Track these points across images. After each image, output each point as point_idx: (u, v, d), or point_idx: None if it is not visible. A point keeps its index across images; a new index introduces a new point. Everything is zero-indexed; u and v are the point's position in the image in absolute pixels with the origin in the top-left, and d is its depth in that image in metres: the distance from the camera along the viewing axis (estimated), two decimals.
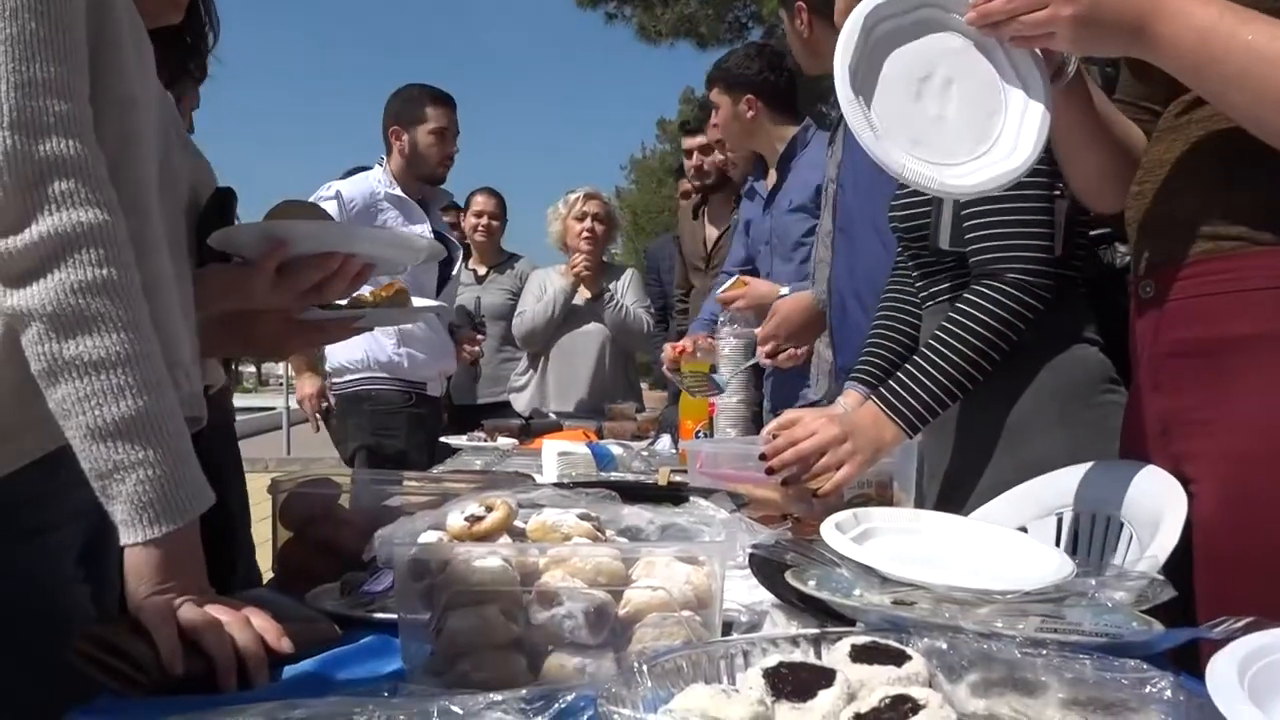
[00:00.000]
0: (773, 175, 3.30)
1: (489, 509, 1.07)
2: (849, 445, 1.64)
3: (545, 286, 4.13)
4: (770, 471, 1.67)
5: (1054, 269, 1.65)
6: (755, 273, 3.61)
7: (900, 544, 1.23)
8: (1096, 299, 1.77)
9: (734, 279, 3.11)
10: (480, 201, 5.00)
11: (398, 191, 3.77)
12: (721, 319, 2.96)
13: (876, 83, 1.27)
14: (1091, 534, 1.47)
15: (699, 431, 2.80)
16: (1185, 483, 1.29)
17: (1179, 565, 1.23)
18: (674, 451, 2.80)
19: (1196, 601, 1.25)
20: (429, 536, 1.06)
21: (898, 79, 1.27)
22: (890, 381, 1.69)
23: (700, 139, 4.23)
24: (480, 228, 4.93)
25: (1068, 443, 1.65)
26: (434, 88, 3.87)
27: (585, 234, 4.09)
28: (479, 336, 4.28)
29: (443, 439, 3.36)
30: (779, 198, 3.22)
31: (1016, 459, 1.68)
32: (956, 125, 1.27)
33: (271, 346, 1.69)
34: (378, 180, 3.77)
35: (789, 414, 1.77)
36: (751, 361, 2.87)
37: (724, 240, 4.26)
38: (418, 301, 1.93)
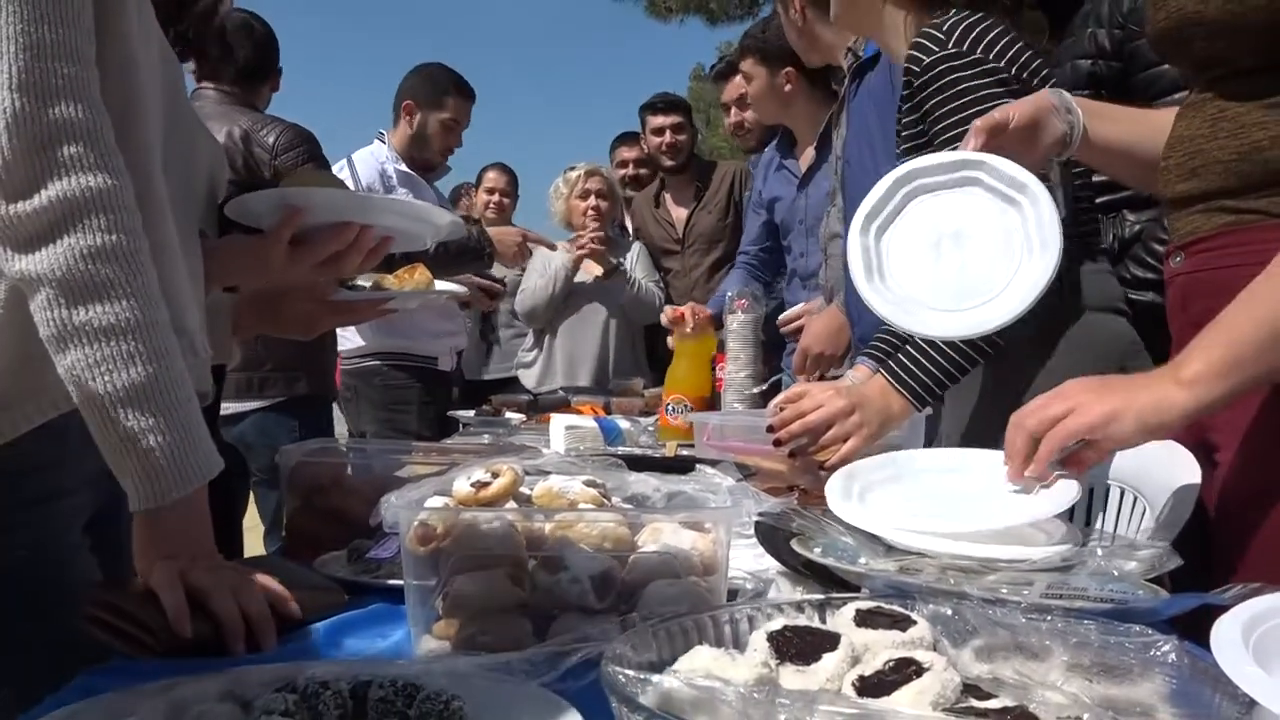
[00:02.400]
0: (809, 154, 3.28)
1: (495, 475, 1.07)
2: (856, 418, 1.64)
3: (548, 263, 4.12)
4: (778, 443, 1.68)
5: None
6: (776, 249, 3.60)
7: (898, 498, 1.23)
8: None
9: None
10: (492, 178, 5.00)
11: (404, 168, 3.75)
12: (730, 294, 2.95)
13: (896, 269, 1.39)
14: (1105, 504, 1.47)
15: (669, 405, 2.75)
16: (1211, 451, 1.29)
17: (1194, 537, 1.23)
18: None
19: (1213, 571, 1.25)
20: (435, 502, 1.07)
21: (913, 254, 1.37)
22: (899, 354, 1.69)
23: (673, 117, 4.27)
24: (492, 204, 4.93)
25: None
26: (460, 76, 3.82)
27: (591, 212, 4.07)
28: (498, 287, 4.21)
29: (450, 414, 3.37)
30: (817, 177, 3.20)
31: None
32: (981, 264, 1.34)
33: (302, 326, 1.70)
34: (384, 157, 3.75)
35: (797, 387, 1.77)
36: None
37: (695, 218, 4.29)
38: (440, 284, 1.94)
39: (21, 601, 1.15)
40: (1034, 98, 1.40)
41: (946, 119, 1.63)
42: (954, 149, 1.43)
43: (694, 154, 4.45)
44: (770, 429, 1.69)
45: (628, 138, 4.73)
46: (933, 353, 1.64)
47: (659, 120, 4.30)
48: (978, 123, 1.35)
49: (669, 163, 4.33)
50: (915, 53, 1.66)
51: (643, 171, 4.66)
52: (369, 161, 3.70)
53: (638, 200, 4.58)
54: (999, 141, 1.35)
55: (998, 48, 1.62)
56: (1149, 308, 1.88)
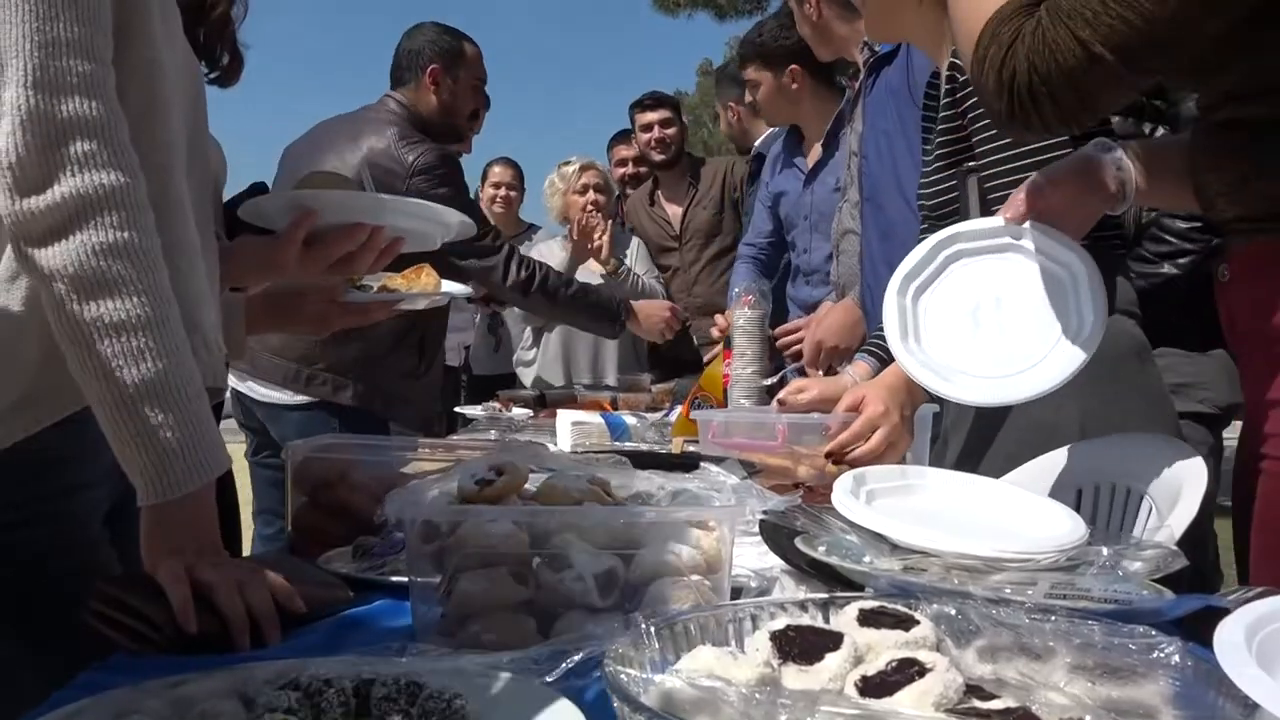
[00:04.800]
0: (816, 150, 3.28)
1: (499, 472, 1.07)
2: (906, 435, 1.68)
3: (548, 261, 4.08)
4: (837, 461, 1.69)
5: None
6: (781, 245, 3.59)
7: (906, 505, 1.23)
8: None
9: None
10: (498, 172, 4.99)
11: None
12: (737, 290, 2.95)
13: (932, 332, 1.38)
14: (1111, 505, 1.47)
15: (695, 400, 2.76)
16: (1257, 459, 1.26)
17: (1200, 538, 1.22)
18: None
19: (1250, 571, 1.24)
20: (440, 499, 1.07)
21: (951, 320, 1.37)
22: None
23: (662, 113, 4.30)
24: (499, 199, 4.93)
25: (1077, 414, 1.63)
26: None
27: (590, 207, 4.07)
28: None
29: (457, 409, 3.37)
30: (823, 174, 3.20)
31: (1028, 421, 1.66)
32: (1023, 331, 1.34)
33: (316, 325, 1.73)
34: None
35: (802, 380, 1.78)
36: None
37: (690, 214, 4.31)
38: (448, 285, 1.96)
39: (46, 593, 1.16)
40: (1077, 157, 1.36)
41: (991, 124, 1.61)
42: (994, 210, 1.42)
43: (684, 150, 4.46)
44: (829, 455, 1.69)
45: (625, 135, 4.74)
46: None
47: (648, 116, 4.32)
48: (1019, 194, 1.34)
49: (659, 158, 4.34)
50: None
51: (642, 169, 4.67)
52: None
53: (632, 199, 4.59)
54: (1046, 204, 1.34)
55: None
56: (1166, 281, 1.89)
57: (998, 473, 1.56)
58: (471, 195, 5.14)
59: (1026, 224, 1.34)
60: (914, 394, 1.69)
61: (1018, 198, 1.34)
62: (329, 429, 2.73)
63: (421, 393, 3.04)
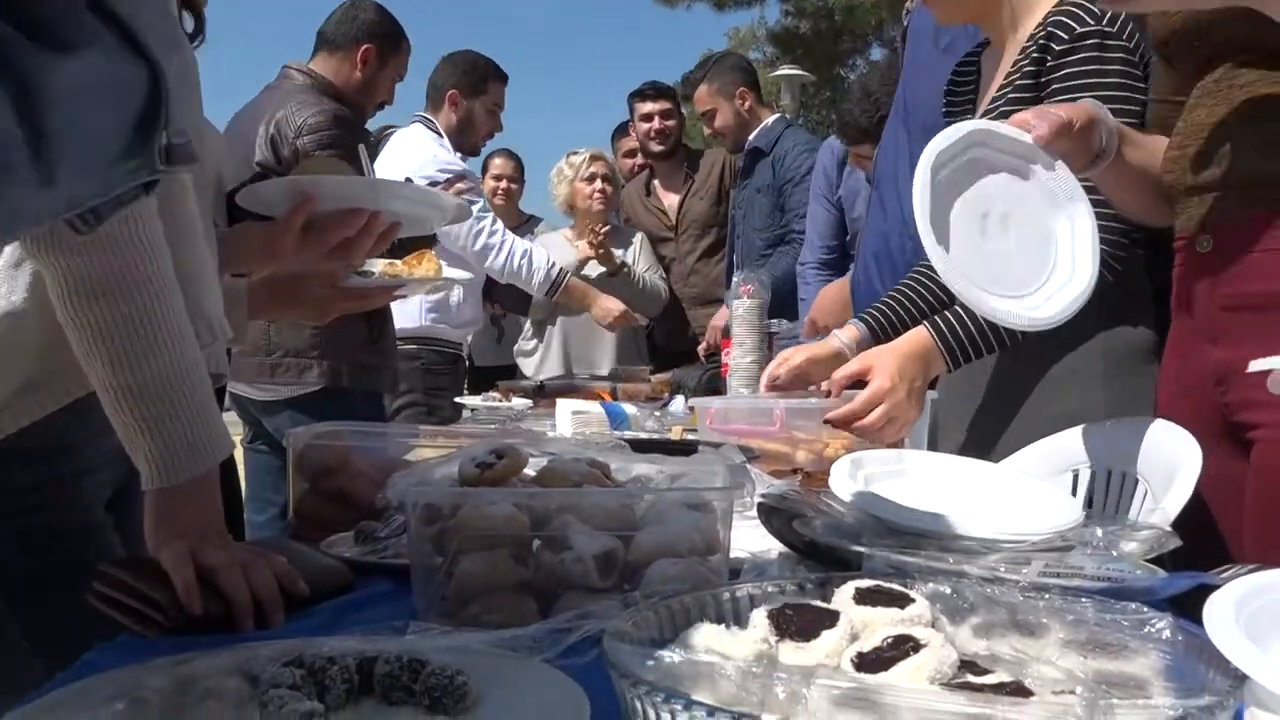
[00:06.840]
0: None
1: (500, 456, 1.08)
2: (904, 400, 1.64)
3: (550, 257, 4.06)
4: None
5: (1129, 233, 1.61)
6: (844, 251, 3.47)
7: (903, 488, 1.24)
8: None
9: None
10: (498, 164, 4.99)
11: (462, 163, 3.75)
12: (736, 279, 2.96)
13: (949, 226, 1.33)
14: (1107, 488, 1.48)
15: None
16: (1244, 429, 1.31)
17: (1194, 518, 1.24)
18: (688, 413, 2.81)
19: (1246, 543, 1.26)
20: (441, 483, 1.08)
21: (964, 220, 1.34)
22: (945, 312, 1.67)
23: (662, 104, 4.30)
24: (499, 191, 4.92)
25: (1107, 403, 1.64)
26: (494, 62, 3.88)
27: (597, 195, 4.08)
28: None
29: (457, 399, 3.37)
30: None
31: (1052, 411, 1.65)
32: (1020, 256, 1.33)
33: (317, 310, 1.73)
34: (439, 150, 3.69)
35: (790, 351, 1.80)
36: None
37: (687, 205, 4.32)
38: (449, 271, 1.97)
39: (50, 578, 1.17)
40: (1083, 106, 1.37)
41: (1076, 91, 1.58)
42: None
43: (681, 141, 4.45)
44: (829, 421, 1.67)
45: (628, 127, 4.74)
46: (979, 317, 1.62)
47: (648, 107, 4.31)
48: (1051, 119, 1.32)
49: (658, 149, 4.34)
50: (1066, 20, 1.62)
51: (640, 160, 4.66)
52: (433, 158, 3.65)
53: (628, 190, 4.58)
54: (1060, 144, 1.33)
55: (1129, 29, 1.61)
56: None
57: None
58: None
59: (1057, 157, 1.34)
60: (928, 362, 1.66)
61: (1045, 125, 1.31)
62: (321, 418, 2.74)
63: (384, 357, 3.04)
